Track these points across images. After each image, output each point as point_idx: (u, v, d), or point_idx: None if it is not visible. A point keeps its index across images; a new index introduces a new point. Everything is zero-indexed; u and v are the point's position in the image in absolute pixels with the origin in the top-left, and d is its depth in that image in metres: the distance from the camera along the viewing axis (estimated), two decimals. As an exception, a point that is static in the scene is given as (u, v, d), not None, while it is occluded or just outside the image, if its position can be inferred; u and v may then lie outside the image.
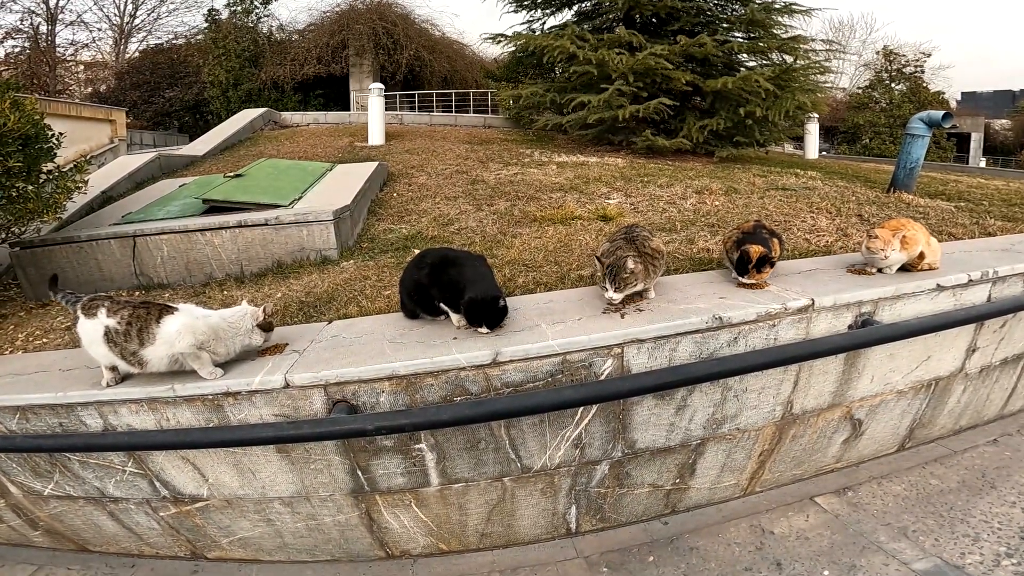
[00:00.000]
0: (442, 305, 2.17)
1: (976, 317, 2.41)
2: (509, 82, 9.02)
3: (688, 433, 2.24)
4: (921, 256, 2.44)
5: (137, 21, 20.40)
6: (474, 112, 12.70)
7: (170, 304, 2.00)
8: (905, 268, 2.47)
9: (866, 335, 2.16)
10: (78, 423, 2.05)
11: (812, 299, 2.18)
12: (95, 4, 21.27)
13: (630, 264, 2.10)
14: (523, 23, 8.82)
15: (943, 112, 4.60)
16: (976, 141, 23.68)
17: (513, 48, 8.47)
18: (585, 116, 6.87)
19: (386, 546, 2.31)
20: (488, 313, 2.04)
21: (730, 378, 2.14)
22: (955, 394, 2.71)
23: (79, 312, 1.97)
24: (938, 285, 2.38)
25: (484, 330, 2.07)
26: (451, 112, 12.64)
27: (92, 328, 1.93)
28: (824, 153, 16.11)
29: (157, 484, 2.20)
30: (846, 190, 4.62)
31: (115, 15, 19.91)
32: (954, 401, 2.73)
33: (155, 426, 2.02)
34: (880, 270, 2.46)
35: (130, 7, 20.00)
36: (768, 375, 2.21)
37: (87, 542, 2.47)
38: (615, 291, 2.13)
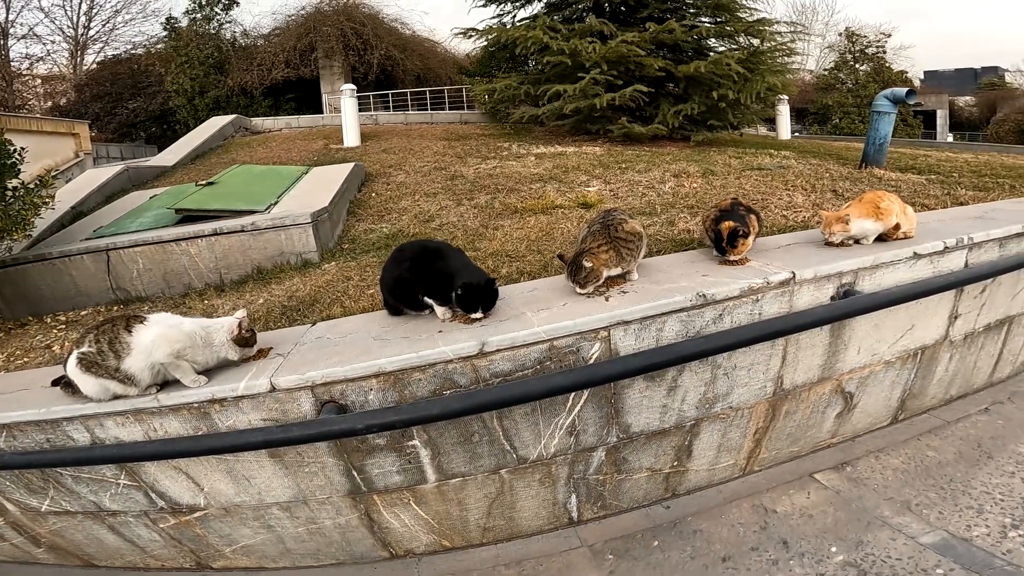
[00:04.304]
0: (427, 299, 2.14)
1: (955, 283, 2.44)
2: (483, 77, 8.95)
3: (682, 414, 2.25)
4: (897, 227, 2.47)
5: (92, 32, 19.86)
6: (450, 109, 12.62)
7: (139, 314, 1.95)
8: (881, 238, 2.51)
9: (848, 305, 2.18)
10: (65, 438, 1.99)
11: (793, 272, 2.20)
12: (46, 16, 20.64)
13: (586, 263, 2.15)
14: (493, 16, 8.80)
15: (906, 89, 4.71)
16: (942, 118, 24.16)
17: (485, 42, 8.46)
18: (561, 106, 6.87)
19: (389, 546, 2.29)
20: (484, 297, 2.05)
21: (719, 355, 2.15)
22: (942, 363, 2.75)
23: (76, 368, 1.87)
24: (915, 253, 2.41)
25: (479, 315, 2.06)
26: (426, 110, 12.55)
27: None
28: (796, 134, 16.36)
29: (153, 495, 2.15)
30: (820, 167, 4.69)
31: (68, 27, 19.35)
32: (942, 370, 2.77)
33: (143, 437, 1.97)
34: (858, 241, 2.50)
35: (83, 19, 19.46)
36: (756, 351, 2.23)
37: (92, 557, 2.41)
38: (579, 287, 2.19)
